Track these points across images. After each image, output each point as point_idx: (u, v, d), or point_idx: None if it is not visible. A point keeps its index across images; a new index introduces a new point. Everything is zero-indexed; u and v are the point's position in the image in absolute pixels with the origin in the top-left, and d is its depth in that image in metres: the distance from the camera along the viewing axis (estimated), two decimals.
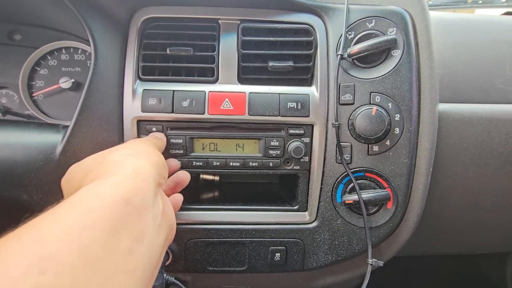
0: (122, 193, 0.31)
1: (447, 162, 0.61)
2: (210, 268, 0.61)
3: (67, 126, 0.51)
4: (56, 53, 0.70)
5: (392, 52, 0.54)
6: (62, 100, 0.69)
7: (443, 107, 0.61)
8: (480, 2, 1.17)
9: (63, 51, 0.70)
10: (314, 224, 0.60)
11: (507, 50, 0.85)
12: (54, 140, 0.49)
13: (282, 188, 0.68)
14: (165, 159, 0.57)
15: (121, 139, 0.55)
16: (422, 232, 0.65)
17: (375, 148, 0.54)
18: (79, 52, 0.70)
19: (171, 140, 0.57)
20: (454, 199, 0.64)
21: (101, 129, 0.52)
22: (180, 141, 0.57)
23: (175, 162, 0.57)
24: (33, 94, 0.68)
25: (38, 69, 0.69)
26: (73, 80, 0.67)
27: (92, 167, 0.39)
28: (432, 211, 0.60)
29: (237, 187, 0.71)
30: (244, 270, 0.62)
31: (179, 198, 0.53)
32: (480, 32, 0.86)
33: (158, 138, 0.54)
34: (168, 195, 0.53)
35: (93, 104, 0.51)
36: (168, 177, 0.53)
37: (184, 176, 0.55)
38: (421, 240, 0.70)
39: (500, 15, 1.10)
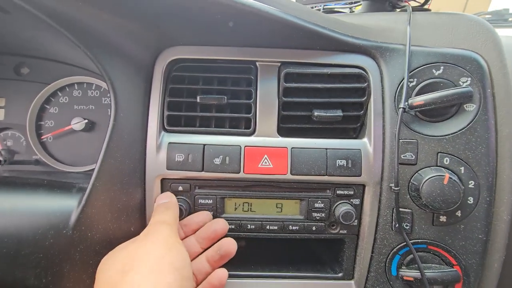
0: None
1: None
2: None
3: (82, 189, 0.44)
4: (67, 89, 0.62)
5: (465, 106, 0.45)
6: (74, 143, 0.62)
7: None
8: None
9: (76, 86, 0.62)
10: None
11: None
12: (67, 209, 0.42)
13: (320, 247, 0.60)
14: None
15: (143, 202, 0.48)
16: None
17: (443, 218, 0.46)
18: (93, 87, 0.63)
19: (199, 201, 0.49)
20: None
21: (121, 194, 0.44)
22: (210, 201, 0.50)
23: (222, 225, 0.48)
24: (42, 137, 0.61)
25: (48, 107, 0.62)
26: (86, 120, 0.60)
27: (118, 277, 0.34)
28: None
29: (268, 243, 0.63)
30: None
31: (222, 275, 0.46)
32: None
33: (169, 209, 0.45)
34: (213, 267, 0.46)
35: (113, 165, 0.43)
36: (212, 244, 0.47)
37: (230, 247, 0.47)
38: None
39: None
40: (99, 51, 0.42)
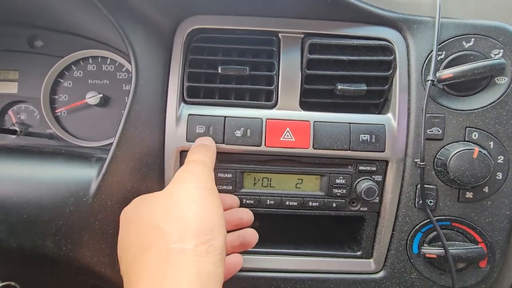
0: None
1: None
2: None
3: (101, 159, 0.43)
4: (82, 63, 0.61)
5: (496, 79, 0.44)
6: (88, 117, 0.61)
7: None
8: None
9: (90, 60, 0.61)
10: (381, 274, 0.51)
11: None
12: (87, 177, 0.41)
13: (338, 226, 0.60)
14: None
15: (161, 174, 0.47)
16: None
17: (469, 194, 0.45)
18: (108, 62, 0.61)
19: (218, 175, 0.48)
20: None
21: (141, 164, 0.44)
22: (230, 175, 0.49)
23: (248, 215, 0.46)
24: (56, 111, 0.60)
25: (62, 81, 0.61)
26: (101, 95, 0.59)
27: (145, 245, 0.31)
28: None
29: (284, 221, 0.63)
30: None
31: (238, 260, 0.45)
32: None
33: (208, 150, 0.42)
34: (228, 253, 0.44)
35: (133, 135, 0.42)
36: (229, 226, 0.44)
37: (252, 238, 0.45)
38: None
39: None
40: (121, 16, 0.41)
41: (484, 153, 0.41)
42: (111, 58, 0.61)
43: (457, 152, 0.42)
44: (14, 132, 0.56)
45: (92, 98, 0.58)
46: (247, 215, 0.46)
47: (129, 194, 0.42)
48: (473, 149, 0.41)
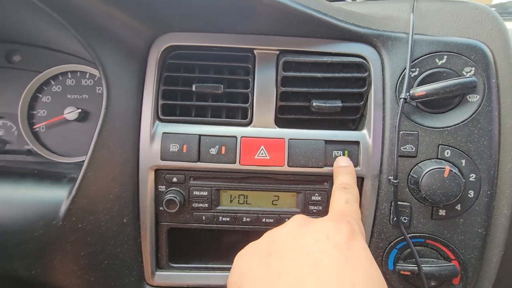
0: None
1: None
2: None
3: (73, 179, 0.43)
4: (60, 78, 0.61)
5: (468, 97, 0.44)
6: (68, 133, 0.60)
7: None
8: None
9: (69, 75, 0.61)
10: None
11: None
12: (57, 199, 0.41)
13: None
14: (187, 213, 0.48)
15: (135, 193, 0.46)
16: None
17: (442, 212, 0.45)
18: (87, 76, 0.61)
19: (194, 192, 0.48)
20: None
21: (114, 184, 0.43)
22: (205, 193, 0.48)
23: None
24: (34, 126, 0.59)
25: (40, 96, 0.60)
26: (79, 110, 0.59)
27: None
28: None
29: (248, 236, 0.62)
30: None
31: None
32: None
33: (350, 174, 0.42)
34: None
35: (105, 155, 0.42)
36: None
37: None
38: None
39: None
40: (91, 36, 0.41)
41: (455, 172, 0.41)
42: (90, 73, 0.61)
43: (428, 171, 0.42)
44: None
45: (71, 113, 0.58)
46: None
47: (101, 215, 0.42)
48: (444, 168, 0.41)
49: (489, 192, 0.43)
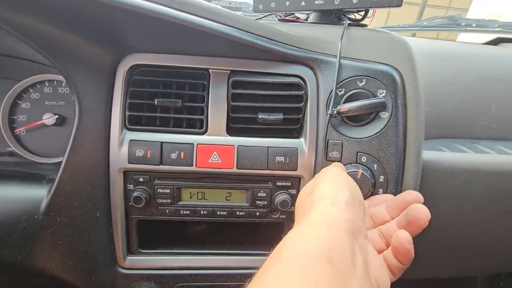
0: (321, 249, 0.30)
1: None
2: None
3: (52, 180, 0.51)
4: (38, 86, 0.67)
5: (380, 113, 0.54)
6: (46, 136, 0.67)
7: (427, 156, 0.62)
8: (474, 25, 1.17)
9: (46, 83, 0.67)
10: None
11: (494, 87, 0.86)
12: (38, 197, 0.49)
13: (268, 231, 0.70)
14: (153, 207, 0.57)
15: (107, 191, 0.55)
16: None
17: None
18: (63, 84, 0.68)
19: (158, 190, 0.57)
20: (427, 247, 0.67)
21: (87, 184, 0.51)
22: (168, 191, 0.57)
23: (414, 196, 0.45)
24: (15, 130, 0.66)
25: (20, 102, 0.67)
26: (57, 116, 0.65)
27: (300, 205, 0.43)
28: None
29: (225, 228, 0.72)
30: None
31: (402, 236, 0.38)
32: (468, 68, 0.88)
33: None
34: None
35: (78, 160, 0.50)
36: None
37: (420, 213, 0.41)
38: None
39: (486, 46, 1.11)
40: (60, 59, 0.48)
41: (366, 175, 0.52)
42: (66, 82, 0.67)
43: (348, 173, 0.53)
44: None
45: (49, 119, 0.65)
46: (412, 196, 0.45)
47: (76, 210, 0.50)
48: (357, 171, 0.52)
49: (394, 190, 0.54)
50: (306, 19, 0.76)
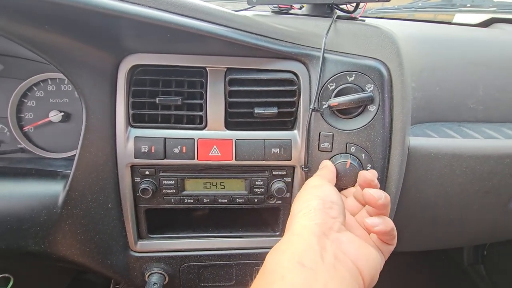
0: (293, 257, 0.37)
1: (411, 191, 0.69)
2: (202, 284, 0.70)
3: (66, 176, 0.55)
4: (42, 84, 0.69)
5: (368, 107, 0.58)
6: (54, 132, 0.71)
7: (414, 142, 0.66)
8: (468, 5, 1.17)
9: (49, 82, 0.70)
10: None
11: (482, 71, 0.89)
12: (55, 192, 0.53)
13: (266, 214, 0.76)
14: (159, 197, 0.62)
15: (116, 184, 0.59)
16: None
17: None
18: (66, 82, 0.70)
19: (163, 182, 0.62)
20: (414, 224, 0.73)
21: (98, 179, 0.56)
22: (172, 182, 0.62)
23: (363, 179, 0.49)
24: (24, 128, 0.69)
25: (26, 101, 0.69)
26: (62, 113, 0.69)
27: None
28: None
29: (226, 214, 0.78)
30: (232, 284, 0.71)
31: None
32: (458, 53, 0.90)
33: (330, 172, 0.55)
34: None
35: (88, 158, 0.54)
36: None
37: (369, 197, 0.45)
38: None
39: (477, 28, 1.12)
40: (65, 64, 0.51)
41: (354, 164, 0.57)
42: None
43: (338, 163, 0.57)
44: None
45: (55, 116, 0.68)
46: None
47: (90, 203, 0.55)
48: (346, 161, 0.56)
49: (380, 177, 0.59)
50: (300, 8, 0.77)
